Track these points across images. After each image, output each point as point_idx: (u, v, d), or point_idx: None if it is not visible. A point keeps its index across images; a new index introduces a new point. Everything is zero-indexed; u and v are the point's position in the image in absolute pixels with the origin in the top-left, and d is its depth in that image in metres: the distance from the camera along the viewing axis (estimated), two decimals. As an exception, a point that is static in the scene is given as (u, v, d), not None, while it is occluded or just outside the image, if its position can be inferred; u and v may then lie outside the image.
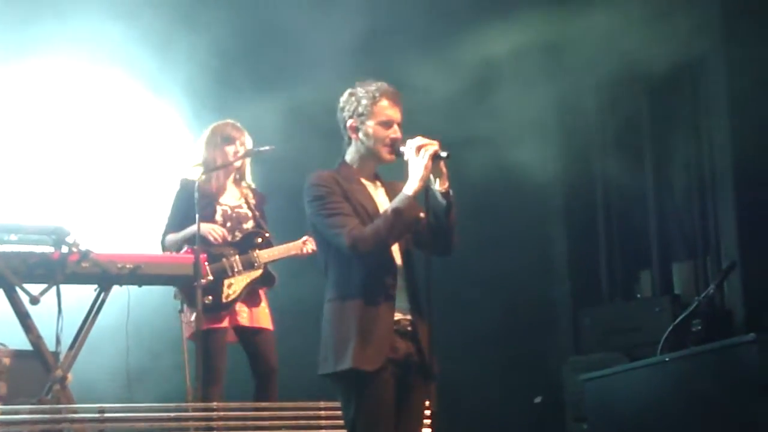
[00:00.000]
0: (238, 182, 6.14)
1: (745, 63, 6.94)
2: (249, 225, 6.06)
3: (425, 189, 3.98)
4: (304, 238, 6.01)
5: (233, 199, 6.10)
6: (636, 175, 7.88)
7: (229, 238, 5.97)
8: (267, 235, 6.08)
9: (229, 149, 6.02)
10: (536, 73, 7.60)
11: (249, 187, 6.17)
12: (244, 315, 5.94)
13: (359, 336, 3.93)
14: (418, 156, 3.96)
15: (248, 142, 6.08)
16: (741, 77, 6.96)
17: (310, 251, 5.98)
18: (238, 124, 6.12)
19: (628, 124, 7.91)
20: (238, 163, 6.07)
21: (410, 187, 3.97)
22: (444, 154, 3.98)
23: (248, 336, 5.95)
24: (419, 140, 4.00)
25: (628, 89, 7.77)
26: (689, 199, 7.63)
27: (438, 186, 4.03)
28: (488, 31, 7.15)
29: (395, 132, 4.09)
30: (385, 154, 4.09)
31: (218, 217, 5.99)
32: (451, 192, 4.04)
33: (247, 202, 6.10)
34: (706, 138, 7.48)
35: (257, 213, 6.10)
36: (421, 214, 4.00)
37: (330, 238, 4.01)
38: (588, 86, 7.70)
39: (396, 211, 3.94)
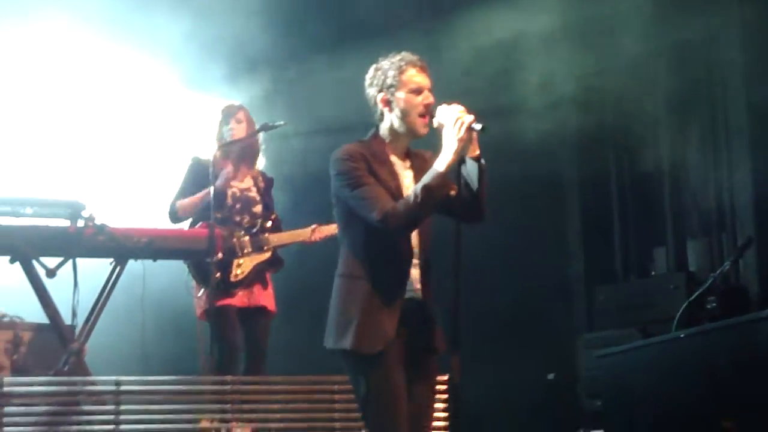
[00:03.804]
0: (248, 165, 6.16)
1: (761, 35, 6.88)
2: (257, 209, 6.10)
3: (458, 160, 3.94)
4: (313, 226, 6.05)
5: (242, 182, 6.13)
6: (650, 150, 7.85)
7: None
8: (276, 219, 6.14)
9: (229, 128, 6.05)
10: (555, 49, 7.55)
11: (257, 171, 6.20)
12: (248, 295, 5.98)
13: (362, 317, 3.91)
14: (453, 128, 3.90)
15: (251, 120, 6.12)
16: (756, 50, 6.92)
17: (317, 239, 6.03)
18: (237, 103, 6.20)
19: (642, 99, 7.86)
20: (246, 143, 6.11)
21: (443, 161, 3.90)
22: (479, 126, 3.91)
23: (248, 315, 5.98)
24: (455, 111, 3.94)
25: (643, 64, 7.72)
26: (705, 175, 7.60)
27: (469, 154, 3.97)
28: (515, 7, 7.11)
29: (427, 98, 4.03)
30: (420, 126, 4.03)
31: (228, 199, 6.01)
32: (482, 159, 3.99)
33: (256, 186, 6.13)
34: (721, 113, 7.44)
35: (266, 197, 6.15)
36: (452, 192, 3.97)
37: (359, 210, 3.94)
38: (604, 61, 7.64)
39: (427, 188, 3.88)
